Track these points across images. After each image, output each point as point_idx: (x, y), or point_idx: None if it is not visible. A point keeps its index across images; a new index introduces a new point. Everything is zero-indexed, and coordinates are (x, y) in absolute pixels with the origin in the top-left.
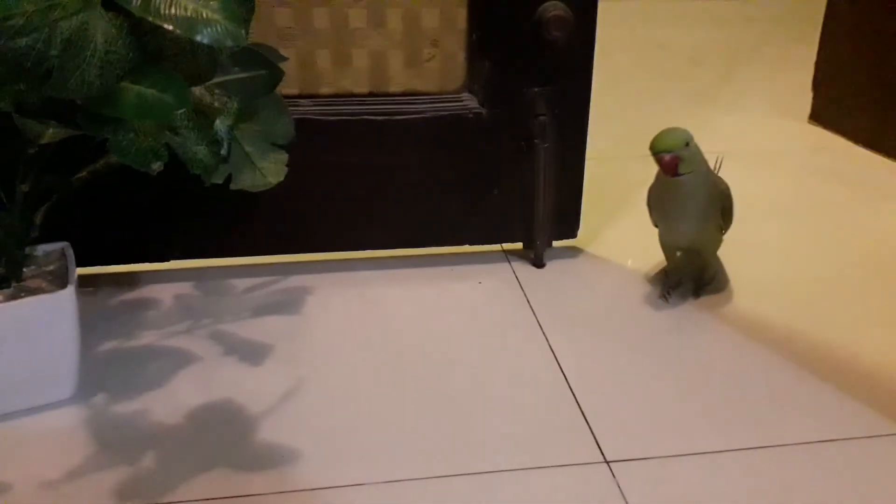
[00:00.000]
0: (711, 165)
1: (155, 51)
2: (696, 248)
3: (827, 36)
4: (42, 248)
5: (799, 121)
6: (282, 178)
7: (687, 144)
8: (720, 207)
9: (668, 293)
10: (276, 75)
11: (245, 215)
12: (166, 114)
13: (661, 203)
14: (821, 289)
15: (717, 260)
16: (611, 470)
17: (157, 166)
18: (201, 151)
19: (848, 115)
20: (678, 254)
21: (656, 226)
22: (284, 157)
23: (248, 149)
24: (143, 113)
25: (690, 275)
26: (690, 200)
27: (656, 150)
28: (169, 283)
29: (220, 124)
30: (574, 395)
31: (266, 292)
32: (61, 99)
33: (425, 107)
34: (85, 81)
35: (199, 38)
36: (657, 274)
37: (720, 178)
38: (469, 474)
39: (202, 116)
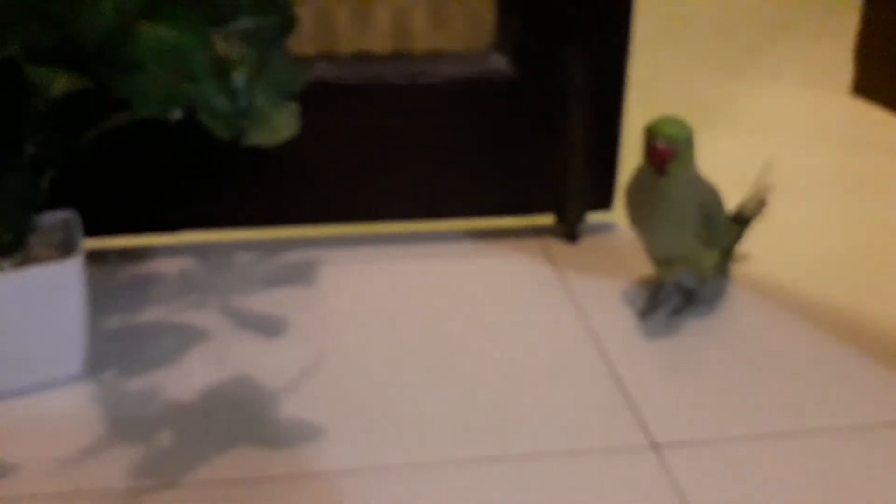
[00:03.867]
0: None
1: None
2: (682, 261)
3: (871, 2)
4: (47, 217)
5: (838, 92)
6: (296, 131)
7: (689, 143)
8: (703, 216)
9: (648, 311)
10: (290, 21)
11: (258, 184)
12: (185, 55)
13: (635, 205)
14: (867, 265)
15: (711, 279)
16: (659, 454)
17: (176, 114)
18: (221, 101)
19: (892, 85)
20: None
21: (632, 229)
22: (296, 108)
23: (259, 101)
24: (160, 55)
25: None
26: (666, 204)
27: (656, 134)
28: (177, 256)
29: (238, 75)
30: (617, 375)
31: (277, 267)
32: (71, 46)
33: (451, 68)
34: (100, 18)
35: None
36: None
37: (708, 183)
38: (505, 457)
39: (219, 66)
